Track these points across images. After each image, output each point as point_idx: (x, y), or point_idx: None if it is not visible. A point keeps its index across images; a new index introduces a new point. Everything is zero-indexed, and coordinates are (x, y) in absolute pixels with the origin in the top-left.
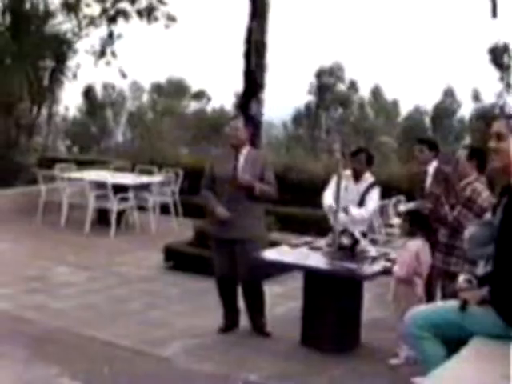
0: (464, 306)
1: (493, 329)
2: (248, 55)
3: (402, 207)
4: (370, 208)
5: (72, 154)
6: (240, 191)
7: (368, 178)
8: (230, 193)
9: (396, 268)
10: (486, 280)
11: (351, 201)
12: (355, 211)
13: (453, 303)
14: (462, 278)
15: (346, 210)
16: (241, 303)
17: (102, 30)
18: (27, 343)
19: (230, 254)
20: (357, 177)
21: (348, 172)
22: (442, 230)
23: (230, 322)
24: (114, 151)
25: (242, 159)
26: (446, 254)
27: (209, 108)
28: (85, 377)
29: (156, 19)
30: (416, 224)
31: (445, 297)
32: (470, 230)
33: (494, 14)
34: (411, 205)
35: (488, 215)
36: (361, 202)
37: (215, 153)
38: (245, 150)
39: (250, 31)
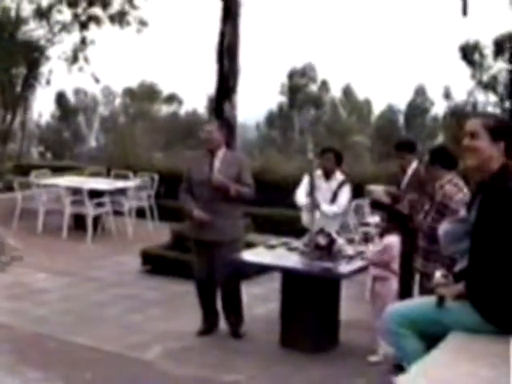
0: (441, 301)
1: (470, 323)
2: (221, 58)
3: (372, 187)
4: (342, 203)
5: (45, 160)
6: (216, 193)
7: (338, 176)
8: (207, 195)
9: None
10: (462, 275)
11: (323, 199)
12: (326, 207)
13: (430, 299)
14: (438, 274)
15: (317, 207)
16: (219, 305)
17: (75, 36)
18: (8, 349)
19: (208, 257)
20: (327, 175)
21: (319, 172)
22: (419, 234)
23: (209, 325)
24: (87, 156)
25: (217, 162)
26: (424, 258)
27: (182, 111)
28: (67, 382)
29: (128, 24)
30: (393, 222)
31: (422, 294)
32: (444, 227)
33: (465, 12)
34: (380, 188)
35: (462, 212)
36: (333, 200)
37: (191, 156)
38: (220, 153)
39: (222, 34)
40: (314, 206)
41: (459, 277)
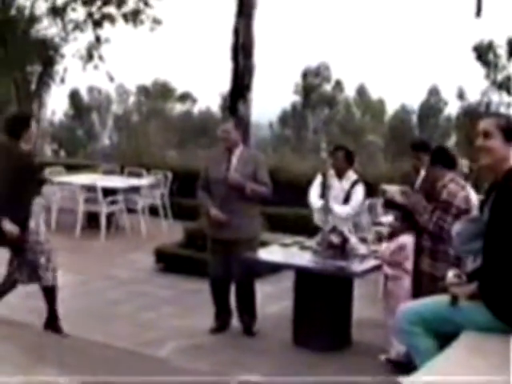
0: (454, 300)
1: (482, 323)
2: (235, 56)
3: (386, 186)
4: (355, 203)
5: (59, 157)
6: (233, 192)
7: (351, 175)
8: (224, 193)
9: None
10: (475, 275)
11: (335, 198)
12: (338, 208)
13: (443, 298)
14: (451, 274)
15: (328, 209)
16: (232, 303)
17: (89, 35)
18: (24, 347)
19: (224, 255)
20: (339, 175)
21: (331, 171)
22: (424, 234)
23: (222, 323)
24: (100, 154)
25: (234, 160)
26: (432, 258)
27: (195, 110)
28: (82, 379)
29: (142, 22)
30: (407, 221)
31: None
32: (457, 227)
33: (479, 13)
34: (394, 188)
35: (474, 213)
36: (346, 199)
37: (209, 154)
38: (238, 151)
39: (236, 32)
40: (328, 206)
41: (472, 276)
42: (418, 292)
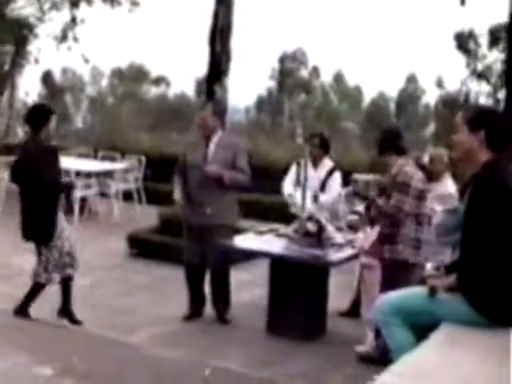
0: (433, 292)
1: (461, 315)
2: (213, 41)
3: (358, 176)
4: (333, 192)
5: None
6: (209, 178)
7: (327, 163)
8: (200, 179)
9: (361, 254)
10: (454, 267)
11: (311, 187)
12: (323, 198)
13: (421, 290)
14: (429, 266)
15: (315, 198)
16: (206, 290)
17: (65, 15)
18: None
19: (200, 241)
20: (315, 162)
21: (307, 160)
22: (384, 221)
23: (195, 310)
24: (74, 137)
25: (212, 146)
26: (391, 243)
27: (170, 93)
28: (55, 364)
29: (119, 4)
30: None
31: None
32: (437, 218)
33: (463, 1)
34: (368, 177)
35: (455, 203)
36: (322, 188)
37: (187, 140)
38: (216, 137)
39: (216, 16)
40: (308, 196)
41: (451, 268)
42: (386, 280)
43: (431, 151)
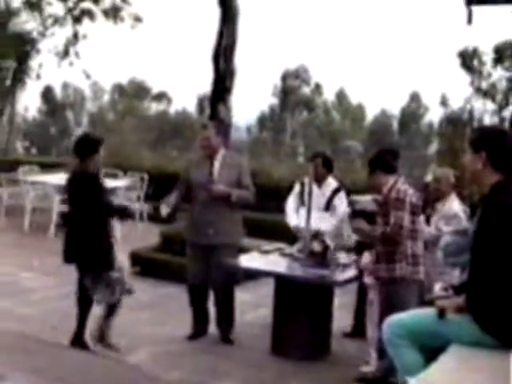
0: (442, 313)
1: (470, 336)
2: (217, 59)
3: (356, 197)
4: (340, 213)
5: (30, 155)
6: (216, 197)
7: (331, 182)
8: (206, 198)
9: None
10: (463, 288)
11: (316, 206)
12: (324, 225)
13: (430, 311)
14: (438, 287)
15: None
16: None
17: (67, 30)
18: None
19: (204, 260)
20: (318, 181)
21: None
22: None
23: (199, 330)
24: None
25: (217, 165)
26: (387, 261)
27: (171, 110)
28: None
29: (122, 20)
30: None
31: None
32: (445, 239)
33: (470, 20)
34: (366, 198)
35: (465, 223)
36: (327, 207)
37: (191, 158)
38: (220, 156)
39: (220, 35)
40: (310, 214)
41: (460, 289)
42: (384, 299)
43: (437, 171)
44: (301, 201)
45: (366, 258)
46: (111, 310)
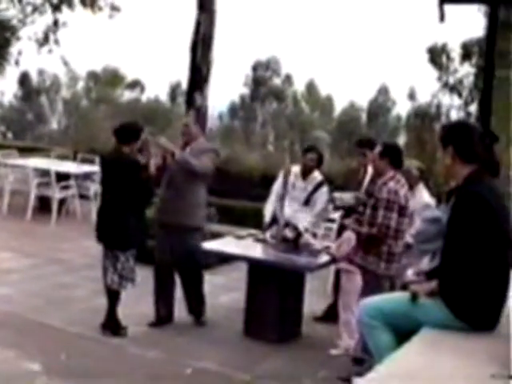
0: (414, 297)
1: (441, 319)
2: (194, 48)
3: (339, 202)
4: (318, 209)
5: (6, 139)
6: (178, 174)
7: (316, 176)
8: (170, 176)
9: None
10: (434, 273)
11: (296, 198)
12: (301, 225)
13: (403, 294)
14: (410, 272)
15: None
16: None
17: (47, 18)
18: None
19: (168, 241)
20: (305, 174)
21: (296, 168)
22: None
23: (164, 313)
24: (48, 138)
25: (188, 150)
26: (364, 252)
27: (143, 98)
28: (42, 360)
29: (100, 9)
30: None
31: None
32: (417, 227)
33: (442, 18)
34: (348, 196)
35: (435, 211)
36: (307, 201)
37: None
38: (194, 144)
39: (198, 24)
40: (283, 204)
41: (431, 275)
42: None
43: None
44: (282, 194)
45: (345, 243)
46: (115, 296)
